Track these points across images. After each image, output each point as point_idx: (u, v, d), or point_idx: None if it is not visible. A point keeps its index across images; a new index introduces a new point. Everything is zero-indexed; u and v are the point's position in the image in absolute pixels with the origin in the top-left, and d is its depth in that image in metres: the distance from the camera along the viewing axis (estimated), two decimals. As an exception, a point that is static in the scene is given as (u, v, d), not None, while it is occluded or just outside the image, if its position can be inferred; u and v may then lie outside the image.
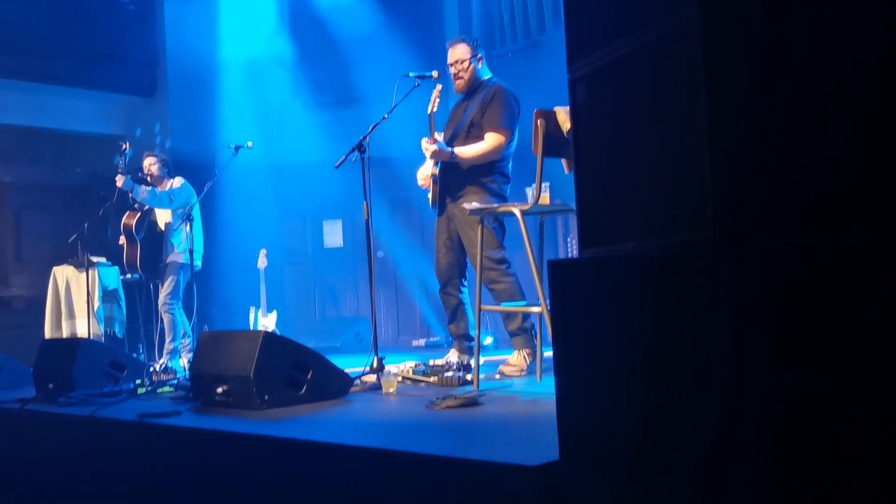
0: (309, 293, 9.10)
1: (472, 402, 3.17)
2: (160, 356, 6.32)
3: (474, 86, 4.54)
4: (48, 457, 3.96)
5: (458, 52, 4.51)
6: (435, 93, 4.38)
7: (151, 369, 4.56)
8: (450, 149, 4.35)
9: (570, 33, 2.17)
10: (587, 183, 2.09)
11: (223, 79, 8.79)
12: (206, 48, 8.72)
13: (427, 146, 4.35)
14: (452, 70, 4.55)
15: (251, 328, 7.84)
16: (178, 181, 6.40)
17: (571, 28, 2.16)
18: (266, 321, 7.94)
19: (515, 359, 4.31)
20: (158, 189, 6.35)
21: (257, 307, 8.00)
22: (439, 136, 4.41)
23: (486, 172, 4.39)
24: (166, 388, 4.37)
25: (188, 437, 3.11)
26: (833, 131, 1.65)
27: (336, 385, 3.71)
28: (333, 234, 9.08)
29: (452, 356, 4.61)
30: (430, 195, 4.66)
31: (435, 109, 4.36)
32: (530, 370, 4.18)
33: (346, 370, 4.58)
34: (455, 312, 4.62)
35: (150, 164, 6.41)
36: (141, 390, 4.34)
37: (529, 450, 2.24)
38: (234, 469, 2.89)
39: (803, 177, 1.71)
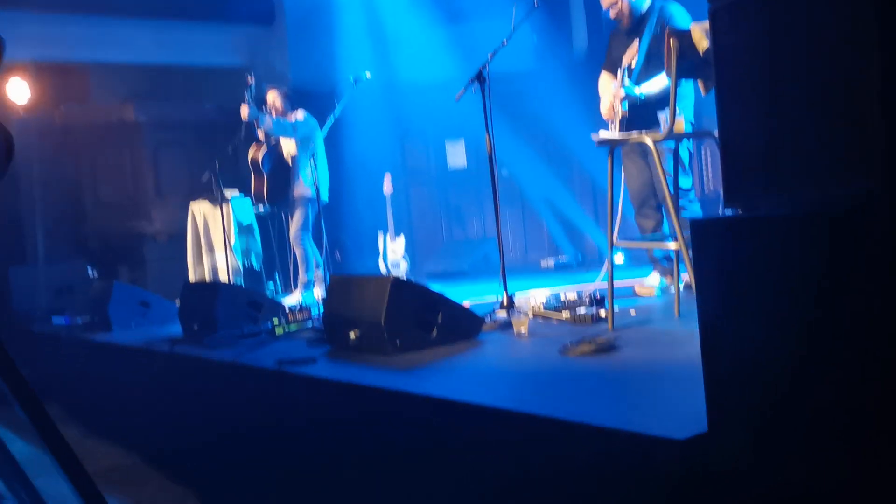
0: (434, 215, 9.09)
1: (608, 347, 3.05)
2: (295, 288, 6.49)
3: (637, 17, 4.37)
4: (194, 397, 4.16)
5: None
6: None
7: (287, 309, 4.67)
8: (637, 92, 4.22)
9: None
10: (733, 131, 1.88)
11: (339, 1, 8.71)
12: (321, -30, 8.64)
13: (617, 93, 4.29)
14: (611, 13, 4.46)
15: (380, 254, 7.95)
16: (300, 114, 6.43)
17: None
18: (395, 246, 8.02)
19: (651, 279, 4.53)
20: (283, 118, 6.39)
21: (385, 232, 8.08)
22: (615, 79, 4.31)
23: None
24: (302, 326, 4.49)
25: (323, 386, 3.16)
26: None
27: (466, 326, 3.66)
28: (456, 155, 8.98)
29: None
30: (611, 127, 4.56)
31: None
32: (664, 291, 4.33)
33: (476, 301, 4.55)
34: (652, 235, 4.51)
35: (274, 98, 6.44)
36: (279, 330, 4.46)
37: (673, 413, 2.12)
38: (365, 420, 2.92)
39: None
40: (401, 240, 8.07)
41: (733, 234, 1.79)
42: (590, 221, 8.22)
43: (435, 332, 3.54)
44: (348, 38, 8.60)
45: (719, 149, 1.93)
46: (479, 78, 4.14)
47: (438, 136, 8.88)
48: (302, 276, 6.39)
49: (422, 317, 3.53)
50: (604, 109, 4.54)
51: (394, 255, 8.06)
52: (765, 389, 1.76)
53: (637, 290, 4.68)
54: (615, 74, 4.64)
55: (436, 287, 7.13)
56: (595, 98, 7.72)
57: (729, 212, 1.93)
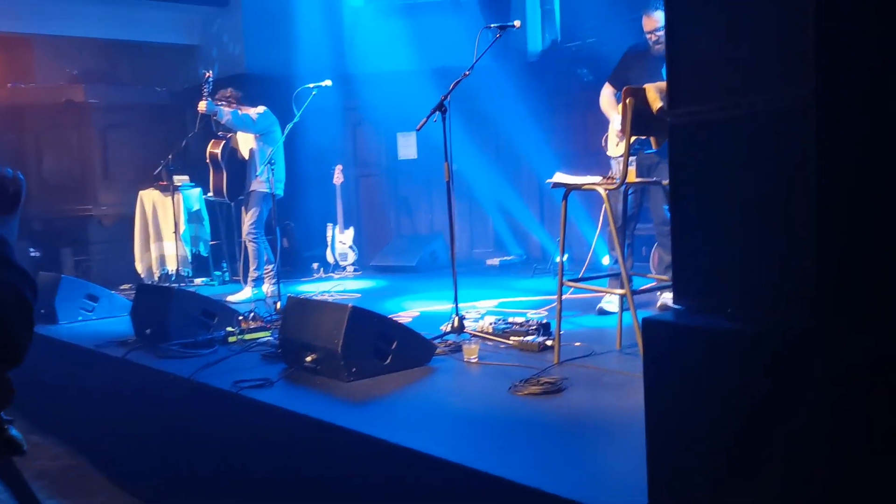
0: (384, 207, 9.17)
1: (555, 389, 3.24)
2: (245, 283, 6.54)
3: None
4: (147, 405, 4.22)
5: (656, 21, 4.57)
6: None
7: (240, 316, 4.74)
8: None
9: (672, 71, 2.07)
10: (684, 235, 2.04)
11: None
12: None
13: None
14: (652, 38, 4.62)
15: (329, 246, 8.03)
16: (260, 108, 6.43)
17: (675, 68, 2.05)
18: (343, 238, 8.12)
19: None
20: (241, 112, 6.36)
21: (334, 224, 8.16)
22: None
23: None
24: (256, 335, 4.58)
25: (279, 413, 3.27)
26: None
27: (419, 353, 3.81)
28: (407, 147, 9.05)
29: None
30: (615, 145, 4.82)
31: None
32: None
33: (428, 307, 4.68)
34: (602, 281, 4.78)
35: (231, 93, 6.41)
36: (232, 339, 4.55)
37: (616, 477, 2.32)
38: (318, 453, 3.06)
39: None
40: (349, 232, 8.17)
41: (676, 337, 1.97)
42: (535, 221, 8.42)
43: (389, 360, 3.68)
44: (304, 25, 8.56)
45: (672, 258, 2.10)
46: (441, 108, 4.22)
47: (390, 127, 8.93)
48: (252, 273, 6.44)
49: (377, 345, 3.66)
50: (619, 125, 4.69)
51: (342, 246, 8.16)
52: (702, 474, 1.95)
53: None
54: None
55: (384, 282, 7.29)
56: (549, 101, 7.90)
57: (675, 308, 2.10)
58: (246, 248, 6.49)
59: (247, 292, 6.40)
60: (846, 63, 1.71)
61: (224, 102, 6.33)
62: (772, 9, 1.80)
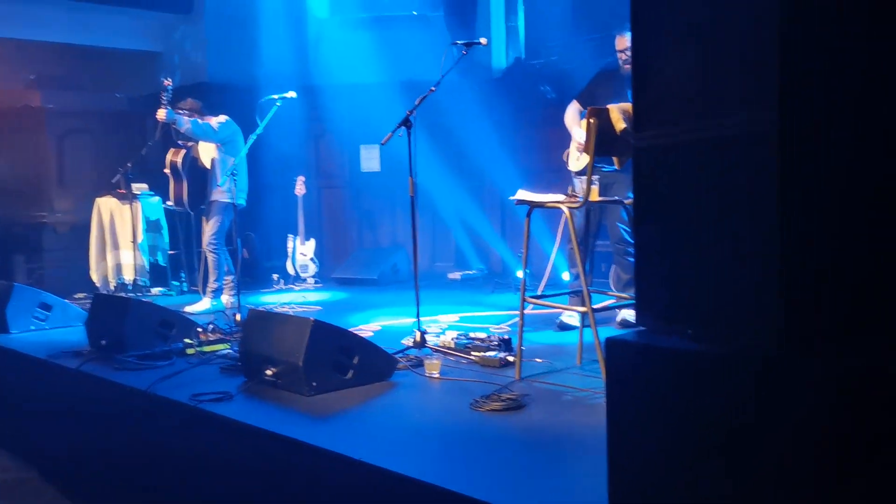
0: (346, 219, 9.14)
1: (516, 406, 3.25)
2: (204, 294, 6.46)
3: None
4: (102, 418, 4.14)
5: (628, 41, 4.48)
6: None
7: (199, 328, 4.68)
8: None
9: (638, 93, 2.11)
10: (649, 259, 2.07)
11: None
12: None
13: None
14: (622, 56, 4.69)
15: (289, 256, 7.97)
16: (222, 118, 6.37)
17: (641, 90, 2.09)
18: (304, 249, 8.07)
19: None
20: (201, 121, 6.30)
21: (295, 235, 8.11)
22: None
23: None
24: (215, 347, 4.52)
25: (238, 428, 3.24)
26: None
27: (381, 368, 3.80)
28: (370, 159, 9.04)
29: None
30: (577, 159, 4.89)
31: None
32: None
33: (389, 321, 4.66)
34: (564, 298, 4.82)
35: (191, 105, 6.35)
36: (190, 351, 4.48)
37: (579, 494, 2.33)
38: (278, 468, 3.03)
39: (877, 296, 1.70)
40: (311, 244, 8.12)
41: (640, 357, 1.99)
42: (496, 236, 8.45)
43: (351, 374, 3.66)
44: (268, 35, 8.53)
45: (635, 275, 2.13)
46: (406, 123, 4.22)
47: (354, 139, 8.92)
48: (212, 283, 6.36)
49: (339, 359, 3.64)
50: (581, 139, 4.73)
51: (303, 258, 8.11)
52: (665, 492, 1.97)
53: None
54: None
55: (345, 294, 7.25)
56: (512, 117, 7.95)
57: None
58: (205, 258, 6.41)
59: (205, 303, 6.32)
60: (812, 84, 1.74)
61: (185, 113, 6.26)
62: (738, 32, 1.83)
